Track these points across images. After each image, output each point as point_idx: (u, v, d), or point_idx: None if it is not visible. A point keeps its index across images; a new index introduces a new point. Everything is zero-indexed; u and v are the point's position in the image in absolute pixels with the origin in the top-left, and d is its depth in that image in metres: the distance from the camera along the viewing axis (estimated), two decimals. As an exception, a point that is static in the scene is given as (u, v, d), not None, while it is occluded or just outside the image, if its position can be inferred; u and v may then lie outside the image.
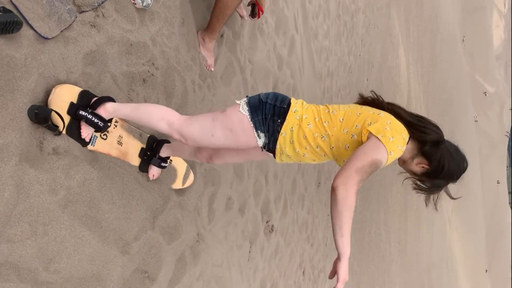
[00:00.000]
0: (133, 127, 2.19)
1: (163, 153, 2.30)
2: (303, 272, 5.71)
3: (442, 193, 1.88)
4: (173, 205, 2.55)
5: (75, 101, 1.78)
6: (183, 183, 2.63)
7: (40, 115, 1.61)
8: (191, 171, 2.73)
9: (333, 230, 1.51)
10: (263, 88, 3.95)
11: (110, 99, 1.87)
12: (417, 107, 19.27)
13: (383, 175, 12.07)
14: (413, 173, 1.82)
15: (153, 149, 2.29)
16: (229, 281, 3.37)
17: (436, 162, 1.72)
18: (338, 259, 1.54)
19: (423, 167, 1.76)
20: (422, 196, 1.88)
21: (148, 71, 2.29)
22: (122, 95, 2.11)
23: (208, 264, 2.99)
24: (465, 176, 1.83)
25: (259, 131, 1.74)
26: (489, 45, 55.85)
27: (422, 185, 1.81)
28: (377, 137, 1.57)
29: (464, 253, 35.18)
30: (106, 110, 1.83)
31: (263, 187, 4.12)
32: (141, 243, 2.22)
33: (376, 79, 11.27)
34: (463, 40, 43.89)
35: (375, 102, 1.83)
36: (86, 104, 1.82)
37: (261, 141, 1.76)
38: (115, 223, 2.03)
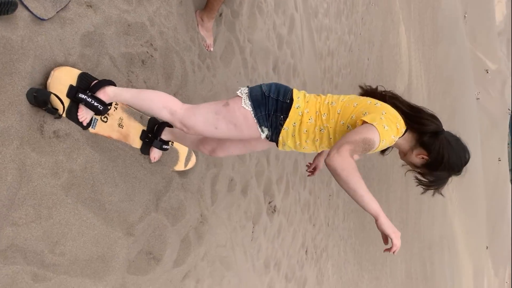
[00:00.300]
0: (133, 109, 2.18)
1: (165, 136, 2.28)
2: (306, 251, 5.77)
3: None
4: (176, 187, 2.55)
5: (74, 84, 1.75)
6: (185, 165, 2.63)
7: (39, 98, 1.59)
8: (193, 153, 2.72)
9: (353, 199, 1.49)
10: (263, 68, 3.91)
11: (110, 83, 1.84)
12: (418, 86, 19.15)
13: (383, 157, 12.06)
14: (414, 166, 1.80)
15: (155, 132, 2.27)
16: (233, 261, 3.41)
17: (436, 152, 1.69)
18: (376, 222, 1.51)
19: (423, 157, 1.74)
20: None
21: (147, 52, 2.27)
22: (121, 77, 2.09)
23: (212, 244, 3.02)
24: (468, 167, 1.79)
25: (263, 127, 1.76)
26: (491, 21, 55.11)
27: (424, 179, 1.78)
28: (371, 124, 1.57)
29: (465, 230, 35.53)
30: (106, 94, 1.80)
31: (265, 168, 4.12)
32: (145, 224, 2.23)
33: (377, 58, 11.16)
34: (465, 16, 43.26)
35: (374, 93, 1.83)
36: (86, 87, 1.79)
37: (264, 135, 1.79)
38: (118, 205, 2.03)
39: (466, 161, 1.75)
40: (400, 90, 14.69)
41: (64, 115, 1.75)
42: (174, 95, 2.50)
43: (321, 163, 2.22)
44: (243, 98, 1.76)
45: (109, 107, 1.86)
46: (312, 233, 6.02)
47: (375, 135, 1.54)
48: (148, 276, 2.23)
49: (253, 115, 1.74)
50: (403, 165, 1.89)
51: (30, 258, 1.59)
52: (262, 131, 1.77)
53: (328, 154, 1.49)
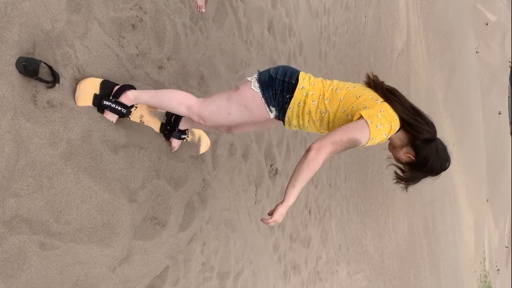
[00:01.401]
0: (150, 113, 2.29)
1: (182, 125, 2.42)
2: (309, 212, 5.86)
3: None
4: (177, 154, 2.55)
5: (97, 92, 1.90)
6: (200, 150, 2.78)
7: (29, 67, 1.56)
8: (206, 138, 2.81)
9: (290, 180, 1.69)
10: (258, 29, 3.82)
11: (130, 87, 2.01)
12: (417, 42, 18.82)
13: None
14: (398, 160, 1.92)
15: (172, 124, 2.40)
16: (238, 223, 3.46)
17: (422, 156, 1.81)
18: (280, 203, 1.69)
19: (409, 157, 1.85)
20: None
21: (137, 16, 2.20)
22: (112, 42, 2.04)
23: (216, 208, 3.05)
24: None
25: (270, 106, 1.90)
26: (491, -30, 53.44)
27: (402, 174, 1.91)
28: (366, 121, 1.68)
29: (465, 184, 35.99)
30: (127, 98, 1.98)
31: (264, 132, 4.12)
32: (148, 191, 2.24)
33: (374, 15, 10.89)
34: (464, -33, 41.85)
35: (378, 86, 1.87)
36: (109, 93, 1.95)
37: (272, 114, 1.93)
38: (119, 173, 2.04)
39: (445, 169, 1.89)
40: (398, 47, 14.45)
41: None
42: (168, 59, 2.46)
43: None
44: (252, 81, 1.91)
45: (131, 110, 2.05)
46: (314, 194, 6.09)
47: (365, 134, 1.67)
48: (154, 240, 2.27)
49: (261, 96, 1.88)
50: (388, 158, 1.99)
51: (35, 227, 1.60)
52: (270, 110, 1.91)
53: (315, 142, 1.66)
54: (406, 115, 1.80)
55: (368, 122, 1.67)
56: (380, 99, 1.79)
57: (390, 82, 10.94)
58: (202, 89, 2.82)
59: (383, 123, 1.70)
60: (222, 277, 3.13)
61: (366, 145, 1.74)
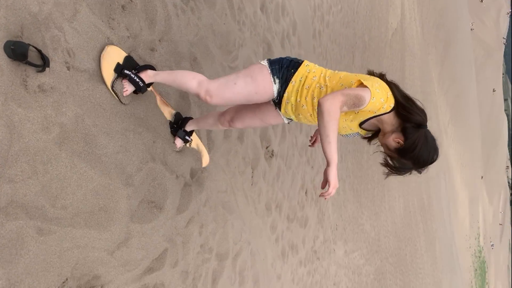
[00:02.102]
0: (162, 102, 2.41)
1: (189, 127, 2.54)
2: (306, 192, 5.90)
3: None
4: (171, 137, 2.54)
5: (121, 63, 2.03)
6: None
7: (17, 51, 1.53)
8: (206, 154, 2.92)
9: (321, 140, 1.69)
10: (250, 8, 3.76)
11: (151, 67, 2.15)
12: (411, 20, 18.67)
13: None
14: (387, 148, 1.92)
15: (179, 124, 2.53)
16: (235, 205, 3.48)
17: (411, 141, 1.82)
18: (327, 166, 1.69)
19: (398, 142, 1.86)
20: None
21: (126, -3, 2.15)
22: (102, 25, 2.00)
23: (212, 190, 3.06)
24: (431, 167, 1.90)
25: (275, 77, 1.98)
26: None
27: (390, 162, 1.94)
28: (365, 85, 1.76)
29: (460, 162, 36.29)
30: (147, 75, 2.11)
31: (259, 113, 4.09)
32: (144, 174, 2.24)
33: (368, -8, 10.76)
34: None
35: (374, 73, 1.97)
36: (131, 67, 2.08)
37: (276, 87, 1.99)
38: (114, 157, 2.03)
39: (432, 161, 1.89)
40: (393, 26, 14.33)
41: (109, 87, 1.99)
42: (159, 41, 2.42)
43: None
44: (262, 61, 2.05)
45: (147, 88, 2.14)
46: (311, 174, 6.13)
47: (367, 94, 1.73)
48: (152, 223, 2.28)
49: (268, 67, 1.99)
50: (374, 152, 2.06)
51: (32, 213, 1.60)
52: (274, 81, 1.98)
53: (322, 100, 1.68)
54: (400, 97, 1.85)
55: (368, 85, 1.76)
56: (377, 78, 1.87)
57: (385, 61, 10.94)
58: (195, 71, 2.79)
59: (381, 90, 1.78)
60: (220, 258, 3.16)
61: (367, 108, 1.77)
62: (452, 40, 32.57)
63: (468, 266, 39.31)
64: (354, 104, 1.72)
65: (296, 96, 1.97)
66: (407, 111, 1.83)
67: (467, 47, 40.23)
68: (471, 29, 45.38)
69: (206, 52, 2.93)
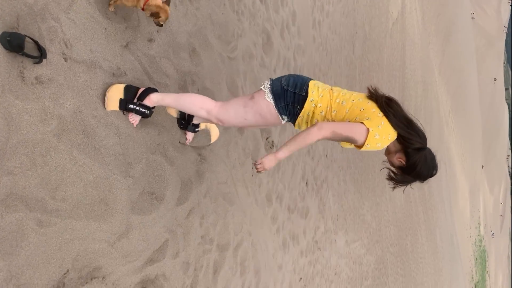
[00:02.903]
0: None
1: (196, 120, 2.64)
2: (306, 183, 5.91)
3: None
4: (170, 129, 2.53)
5: (122, 96, 2.05)
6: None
7: (13, 42, 1.52)
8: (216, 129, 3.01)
9: (288, 141, 1.98)
10: (249, -2, 3.72)
11: (153, 90, 2.18)
12: (411, 9, 18.53)
13: (379, 84, 11.98)
14: (391, 164, 2.15)
15: (187, 118, 2.60)
16: (236, 196, 3.49)
17: (412, 162, 2.04)
18: (275, 152, 1.99)
19: (401, 162, 2.08)
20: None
21: (123, -13, 2.12)
22: (99, 15, 1.98)
23: (213, 182, 3.06)
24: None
25: (283, 115, 2.15)
26: None
27: (394, 176, 2.14)
28: (367, 129, 1.93)
29: (461, 152, 36.28)
30: (151, 100, 2.15)
31: (259, 103, 4.08)
32: (144, 166, 2.24)
33: (368, -19, 10.65)
34: None
35: (379, 98, 2.08)
36: (133, 96, 2.11)
37: (284, 121, 2.20)
38: (114, 149, 2.02)
39: (431, 176, 2.12)
40: (393, 15, 14.22)
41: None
42: (157, 32, 2.40)
43: None
44: (266, 92, 2.13)
45: (153, 110, 2.21)
46: (311, 165, 6.12)
47: (362, 138, 1.93)
48: (152, 215, 2.28)
49: (274, 107, 2.12)
50: (383, 161, 2.22)
51: (31, 205, 1.60)
52: (283, 118, 2.17)
53: (316, 124, 1.94)
54: (400, 128, 2.02)
55: (370, 130, 1.93)
56: (381, 113, 2.01)
57: (385, 51, 10.85)
58: (194, 62, 2.78)
59: (381, 135, 1.95)
60: (221, 249, 3.17)
61: (360, 149, 2.00)
62: (453, 29, 32.35)
63: (469, 255, 39.52)
64: (339, 140, 1.99)
65: (307, 125, 2.18)
66: (407, 142, 2.02)
67: (468, 36, 39.98)
68: (472, 18, 45.05)
69: (205, 43, 2.91)
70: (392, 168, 2.16)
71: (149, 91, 2.15)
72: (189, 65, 2.72)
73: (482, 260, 48.79)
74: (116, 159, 2.04)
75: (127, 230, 2.09)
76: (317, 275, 6.28)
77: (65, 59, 1.79)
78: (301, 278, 5.50)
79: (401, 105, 2.10)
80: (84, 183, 1.84)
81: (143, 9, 1.99)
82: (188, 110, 2.21)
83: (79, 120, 1.83)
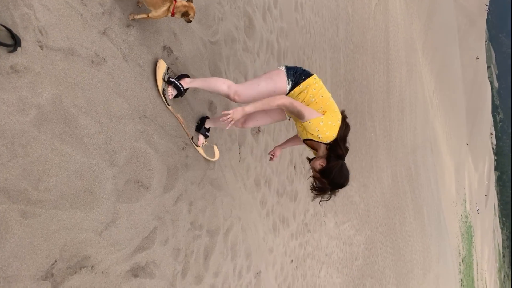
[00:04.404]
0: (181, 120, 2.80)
1: (207, 124, 3.08)
2: (294, 167, 5.94)
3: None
4: (153, 115, 2.50)
5: (165, 72, 2.56)
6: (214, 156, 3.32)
7: (-15, 30, 1.47)
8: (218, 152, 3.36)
9: (257, 102, 2.41)
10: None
11: (187, 76, 2.70)
12: (394, -10, 18.49)
13: (363, 66, 12.02)
14: (314, 170, 2.54)
15: (200, 122, 3.08)
16: (224, 182, 3.49)
17: (330, 166, 2.45)
18: (240, 107, 2.36)
19: (321, 165, 2.48)
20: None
21: (97, -29, 2.07)
22: (74, 1, 1.93)
23: (200, 168, 3.05)
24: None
25: (289, 79, 2.53)
26: None
27: (314, 184, 2.52)
28: (321, 116, 2.43)
29: (446, 131, 36.81)
30: (185, 82, 2.65)
31: (244, 88, 4.06)
32: (128, 154, 2.21)
33: (349, -38, 10.57)
34: None
35: (343, 119, 2.54)
36: (170, 75, 2.62)
37: (288, 86, 2.53)
38: (96, 137, 2.00)
39: (341, 185, 2.49)
40: (375, -4, 14.18)
41: (161, 92, 2.51)
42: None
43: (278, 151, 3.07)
44: (281, 68, 2.56)
45: (185, 91, 2.68)
46: (299, 149, 6.15)
47: (310, 116, 2.42)
48: (139, 203, 2.27)
49: (285, 71, 2.54)
50: (309, 170, 2.67)
51: (14, 196, 1.58)
52: (288, 82, 2.52)
53: (280, 96, 2.43)
54: (340, 136, 2.47)
55: (322, 117, 2.42)
56: (340, 122, 2.50)
57: (369, 33, 10.81)
58: (174, 47, 2.74)
59: (326, 127, 2.42)
60: (211, 234, 3.18)
61: (307, 129, 2.43)
62: (435, 9, 32.45)
63: (456, 231, 40.44)
64: (293, 113, 2.45)
65: (299, 97, 2.53)
66: (335, 147, 2.46)
67: (450, 15, 40.19)
68: (454, -3, 45.23)
69: (185, 27, 2.87)
70: (314, 174, 2.54)
71: (184, 75, 2.69)
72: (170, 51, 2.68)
73: (468, 235, 50.00)
74: (99, 147, 2.01)
75: (114, 219, 2.08)
76: (308, 256, 6.37)
77: (41, 47, 1.75)
78: (292, 260, 5.58)
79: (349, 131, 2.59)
80: (68, 173, 1.82)
81: (173, 15, 2.26)
82: (213, 86, 2.59)
83: (59, 109, 1.80)
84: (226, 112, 2.36)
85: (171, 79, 2.59)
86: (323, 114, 2.44)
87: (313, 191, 2.54)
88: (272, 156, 3.02)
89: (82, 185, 1.90)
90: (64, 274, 1.79)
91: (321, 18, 7.72)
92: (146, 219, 2.33)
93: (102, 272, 2.00)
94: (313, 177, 2.55)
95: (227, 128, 2.50)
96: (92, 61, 2.03)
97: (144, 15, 2.25)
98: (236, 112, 2.37)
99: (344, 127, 2.51)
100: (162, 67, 2.53)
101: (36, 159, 1.68)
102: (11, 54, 1.61)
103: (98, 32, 2.08)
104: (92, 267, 1.93)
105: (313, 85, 2.53)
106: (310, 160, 2.66)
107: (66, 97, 1.84)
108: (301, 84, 2.51)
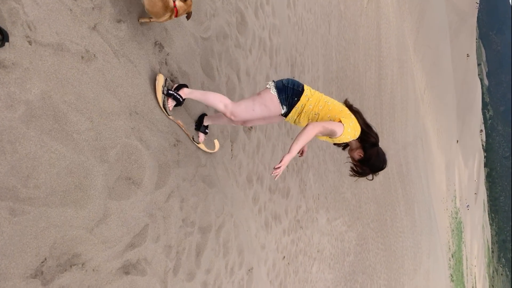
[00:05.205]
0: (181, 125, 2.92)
1: (206, 122, 3.23)
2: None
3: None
4: (145, 111, 2.48)
5: (164, 85, 2.65)
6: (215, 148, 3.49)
7: (-28, 24, 1.44)
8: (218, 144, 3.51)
9: (295, 140, 2.44)
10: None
11: (185, 86, 2.79)
12: (386, -13, 18.56)
13: (355, 63, 12.05)
14: (353, 159, 2.75)
15: (198, 120, 3.21)
16: (216, 179, 3.48)
17: (368, 155, 2.66)
18: (286, 154, 2.39)
19: (359, 155, 2.69)
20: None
21: (87, -34, 2.04)
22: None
23: (191, 165, 3.04)
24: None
25: (283, 105, 2.66)
26: None
27: (355, 168, 2.73)
28: (343, 124, 2.51)
29: (436, 128, 37.11)
30: (184, 93, 2.75)
31: (236, 85, 4.05)
32: (119, 151, 2.20)
33: (341, -41, 10.58)
34: None
35: (351, 108, 2.71)
36: (169, 87, 2.72)
37: (283, 111, 2.68)
38: (87, 134, 1.97)
39: (382, 168, 2.71)
40: (367, -7, 14.21)
41: (161, 105, 2.61)
42: (128, 12, 2.33)
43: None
44: (270, 88, 2.66)
45: (183, 101, 2.77)
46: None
47: (340, 130, 2.49)
48: (130, 200, 2.26)
49: (277, 97, 2.64)
50: (346, 162, 2.86)
51: (2, 194, 1.56)
52: (283, 108, 2.67)
53: (309, 123, 2.49)
54: (364, 126, 2.64)
55: (344, 125, 2.51)
56: (353, 115, 2.63)
57: (361, 30, 10.84)
58: (166, 43, 2.72)
59: (352, 129, 2.54)
60: (203, 231, 3.18)
61: (336, 139, 2.55)
62: (427, 7, 32.63)
63: (446, 227, 40.90)
64: (328, 134, 2.53)
65: (298, 117, 2.70)
66: (366, 137, 2.64)
67: (441, 13, 40.43)
68: (445, -5, 45.50)
69: (176, 23, 2.84)
70: (354, 163, 2.73)
71: (182, 86, 2.76)
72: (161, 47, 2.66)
73: (458, 231, 50.59)
74: (89, 144, 1.99)
75: (105, 216, 2.07)
76: (300, 253, 6.39)
77: (30, 42, 1.72)
78: (284, 257, 5.59)
79: (363, 114, 2.75)
80: (57, 170, 1.80)
81: (176, 16, 2.34)
82: (211, 102, 2.73)
83: (48, 106, 1.77)
84: (277, 166, 2.35)
85: (170, 91, 2.68)
86: (340, 121, 2.53)
87: (355, 175, 2.76)
88: (301, 154, 3.05)
89: (72, 182, 1.88)
90: (54, 272, 1.77)
91: (314, 15, 7.72)
92: (137, 216, 2.32)
93: (93, 270, 1.98)
94: (353, 164, 2.74)
95: (275, 179, 2.82)
96: (82, 57, 2.00)
97: (147, 19, 2.40)
98: (284, 161, 2.36)
99: (358, 116, 2.66)
100: (161, 80, 2.63)
101: (25, 156, 1.66)
102: (-1, 49, 1.59)
103: (88, 28, 2.05)
104: (82, 264, 1.91)
105: (307, 102, 2.64)
106: (343, 147, 2.86)
107: (56, 93, 1.82)
108: (296, 106, 2.65)
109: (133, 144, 2.33)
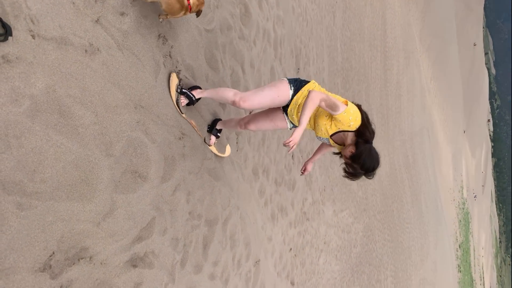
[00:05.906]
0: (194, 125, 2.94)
1: (219, 126, 3.34)
2: (292, 156, 5.93)
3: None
4: (150, 104, 2.48)
5: (178, 84, 2.79)
6: (225, 152, 3.60)
7: (-25, 19, 1.44)
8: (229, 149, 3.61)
9: (302, 111, 2.46)
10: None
11: (199, 87, 2.97)
12: (391, -24, 18.32)
13: (361, 54, 11.95)
14: (345, 157, 2.63)
15: (212, 124, 3.34)
16: (221, 172, 3.48)
17: (359, 151, 2.54)
18: (297, 128, 2.40)
19: (351, 152, 2.58)
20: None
21: (89, -42, 2.02)
22: None
23: (197, 158, 3.04)
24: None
25: (291, 85, 2.74)
26: None
27: (346, 169, 2.62)
28: (346, 105, 2.53)
29: (443, 118, 36.84)
30: (196, 92, 2.89)
31: (240, 77, 4.03)
32: (124, 144, 2.19)
33: None
34: None
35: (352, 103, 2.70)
36: (183, 86, 2.87)
37: (291, 92, 2.73)
38: (92, 128, 1.97)
39: (373, 168, 2.58)
40: (372, -18, 14.04)
41: (174, 103, 2.73)
42: (131, 5, 2.31)
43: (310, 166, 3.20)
44: (283, 78, 2.77)
45: (196, 101, 2.93)
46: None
47: (342, 107, 2.50)
48: (137, 193, 2.26)
49: (287, 80, 2.75)
50: (341, 164, 2.72)
51: (9, 188, 1.56)
52: (291, 88, 2.73)
53: (311, 91, 2.49)
54: (365, 119, 2.58)
55: (348, 106, 2.54)
56: (355, 107, 2.62)
57: (366, 20, 10.74)
58: (169, 35, 2.70)
59: (354, 114, 2.53)
60: (210, 223, 3.18)
61: (339, 118, 2.51)
62: (433, -4, 32.23)
63: (453, 217, 40.76)
64: (330, 106, 2.49)
65: (302, 100, 2.69)
66: (363, 131, 2.56)
67: (447, 1, 39.93)
68: (451, -17, 44.85)
69: (180, 16, 2.82)
70: (345, 161, 2.62)
71: (196, 87, 2.95)
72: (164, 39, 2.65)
73: (465, 222, 50.41)
74: (95, 138, 1.99)
75: (112, 210, 2.07)
76: (306, 245, 6.40)
77: (33, 36, 1.71)
78: (291, 249, 5.60)
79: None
80: (64, 164, 1.80)
81: (190, 12, 2.44)
82: (221, 94, 2.79)
83: (52, 100, 1.77)
84: (287, 140, 2.35)
85: (183, 90, 2.82)
86: (344, 102, 2.55)
87: (347, 177, 2.65)
88: (303, 172, 3.12)
89: (79, 176, 1.88)
90: (62, 266, 1.78)
91: (318, 6, 7.64)
92: (144, 210, 2.32)
93: (101, 263, 1.99)
94: (345, 163, 2.63)
95: (289, 152, 2.82)
96: (86, 51, 1.99)
97: (164, 17, 2.50)
98: (296, 134, 2.37)
99: (360, 109, 2.64)
100: (174, 80, 2.76)
101: (31, 150, 1.66)
102: (2, 43, 1.58)
103: (91, 21, 2.04)
104: (90, 258, 1.92)
105: (314, 87, 2.72)
106: (338, 154, 2.76)
107: (60, 87, 1.82)
108: (302, 89, 2.72)
109: (139, 138, 2.33)
